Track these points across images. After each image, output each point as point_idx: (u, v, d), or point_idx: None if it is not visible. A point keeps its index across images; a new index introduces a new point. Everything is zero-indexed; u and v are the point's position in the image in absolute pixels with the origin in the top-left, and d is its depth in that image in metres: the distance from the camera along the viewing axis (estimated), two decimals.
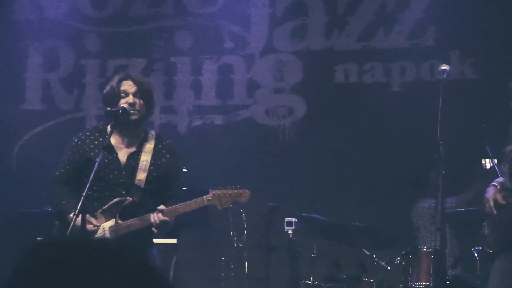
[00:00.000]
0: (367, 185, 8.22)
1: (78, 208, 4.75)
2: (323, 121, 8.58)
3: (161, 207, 5.16)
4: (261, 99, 8.77)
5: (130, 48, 8.94)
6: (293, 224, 6.77)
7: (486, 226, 5.96)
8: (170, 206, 5.20)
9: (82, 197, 4.77)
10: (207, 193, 5.69)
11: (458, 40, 8.30)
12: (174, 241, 6.79)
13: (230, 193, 5.26)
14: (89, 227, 5.15)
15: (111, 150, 5.24)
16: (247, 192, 5.29)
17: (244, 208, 7.43)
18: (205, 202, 5.26)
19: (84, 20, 9.00)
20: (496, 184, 5.96)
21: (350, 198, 8.12)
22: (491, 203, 5.83)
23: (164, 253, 5.67)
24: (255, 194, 5.58)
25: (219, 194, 5.25)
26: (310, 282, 6.91)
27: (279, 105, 8.74)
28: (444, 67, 5.89)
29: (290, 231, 6.77)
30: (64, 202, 5.18)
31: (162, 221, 5.13)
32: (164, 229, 5.26)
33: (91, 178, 4.87)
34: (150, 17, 8.94)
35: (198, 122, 8.84)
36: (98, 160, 4.94)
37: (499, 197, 5.83)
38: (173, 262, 6.99)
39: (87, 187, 4.82)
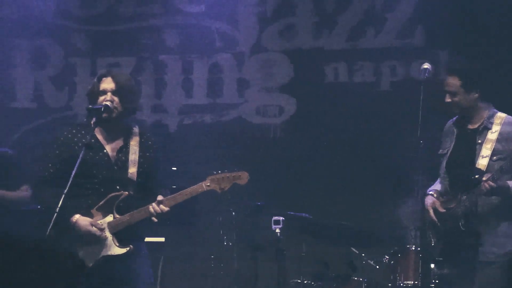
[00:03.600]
0: (356, 184, 8.23)
1: (59, 205, 4.77)
2: (313, 120, 8.59)
3: (160, 197, 5.20)
4: (251, 98, 8.78)
5: (119, 47, 8.94)
6: (281, 223, 6.79)
7: (430, 236, 5.99)
8: (164, 195, 5.23)
9: (63, 196, 4.80)
10: None
11: (447, 39, 8.31)
12: (162, 239, 6.81)
13: (228, 176, 5.28)
14: (94, 229, 5.15)
15: (98, 146, 5.27)
16: (245, 174, 5.31)
17: (233, 206, 7.46)
18: (204, 187, 5.28)
19: (72, 18, 8.98)
20: (432, 193, 5.99)
21: (338, 197, 8.13)
22: (431, 213, 5.86)
23: (152, 251, 5.65)
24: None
25: (217, 178, 5.26)
26: (299, 281, 6.93)
27: (269, 104, 8.75)
28: (426, 66, 5.90)
29: (277, 230, 6.79)
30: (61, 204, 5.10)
31: (162, 211, 5.16)
32: (163, 219, 5.27)
33: (72, 175, 4.89)
34: (138, 15, 8.93)
35: (188, 121, 8.84)
36: (79, 158, 4.96)
37: (438, 205, 5.87)
38: (161, 261, 7.00)
39: (69, 184, 4.84)
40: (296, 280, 6.98)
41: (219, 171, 5.28)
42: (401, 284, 6.51)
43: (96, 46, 8.97)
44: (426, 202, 5.90)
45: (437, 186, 6.08)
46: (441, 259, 5.85)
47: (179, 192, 5.25)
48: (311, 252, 7.14)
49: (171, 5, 8.88)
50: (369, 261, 6.89)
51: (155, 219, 5.22)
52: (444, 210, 5.80)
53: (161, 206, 5.18)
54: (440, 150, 6.03)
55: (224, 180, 5.27)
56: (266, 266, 7.27)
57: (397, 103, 8.29)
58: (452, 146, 5.93)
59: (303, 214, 7.05)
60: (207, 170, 8.19)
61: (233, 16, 8.78)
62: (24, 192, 6.90)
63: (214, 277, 7.64)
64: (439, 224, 5.83)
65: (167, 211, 5.20)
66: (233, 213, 7.47)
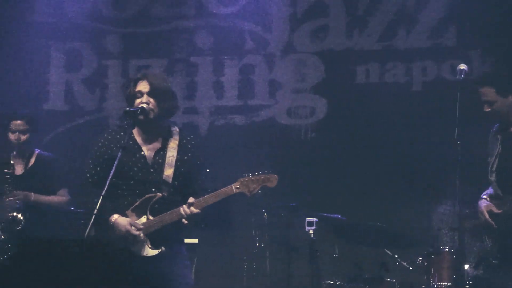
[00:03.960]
0: (389, 185, 8.19)
1: (97, 207, 4.79)
2: (344, 121, 8.57)
3: (191, 199, 5.19)
4: (282, 99, 8.78)
5: (151, 49, 8.98)
6: (314, 224, 6.77)
7: (486, 239, 5.96)
8: (197, 198, 5.23)
9: (101, 197, 4.82)
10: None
11: (479, 39, 8.27)
12: (195, 241, 6.82)
13: (257, 179, 5.26)
14: (133, 229, 5.18)
15: (136, 148, 5.29)
16: (274, 177, 5.28)
17: (266, 207, 7.46)
18: (234, 190, 5.26)
19: (105, 21, 9.05)
20: (486, 197, 5.98)
21: (372, 198, 8.09)
22: (486, 215, 5.84)
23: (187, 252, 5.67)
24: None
25: (246, 180, 5.25)
26: (332, 282, 6.92)
27: (300, 105, 8.75)
28: (462, 66, 5.88)
29: (311, 231, 6.77)
30: (99, 204, 5.06)
31: (192, 213, 5.17)
32: (195, 221, 5.27)
33: (110, 177, 4.91)
34: (170, 17, 8.97)
35: (219, 123, 8.86)
36: (117, 159, 4.98)
37: (493, 207, 5.85)
38: (194, 262, 7.02)
39: (106, 186, 4.86)
40: (329, 281, 6.96)
41: (249, 174, 5.27)
42: (435, 286, 6.50)
43: (128, 48, 9.02)
44: (480, 206, 5.89)
45: (489, 191, 6.07)
46: (496, 262, 5.83)
47: (209, 194, 5.25)
48: (344, 253, 7.13)
49: (203, 7, 8.90)
50: (402, 262, 6.85)
51: (185, 221, 5.22)
52: (500, 211, 5.80)
53: (192, 208, 5.18)
54: (489, 158, 6.04)
55: (253, 183, 5.26)
56: (299, 267, 7.26)
57: (429, 104, 8.27)
58: (498, 151, 5.93)
59: (336, 216, 7.03)
60: (238, 172, 8.26)
61: (265, 17, 8.78)
62: (62, 196, 6.94)
63: (247, 278, 7.64)
64: (495, 226, 5.82)
65: (198, 213, 5.20)
66: (265, 214, 7.47)
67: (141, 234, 5.20)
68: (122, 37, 9.04)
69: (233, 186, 5.26)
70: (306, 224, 6.79)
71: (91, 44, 9.07)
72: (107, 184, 4.86)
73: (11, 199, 6.61)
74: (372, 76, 8.61)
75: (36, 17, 9.07)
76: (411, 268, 6.80)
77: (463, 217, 5.79)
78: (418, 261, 6.69)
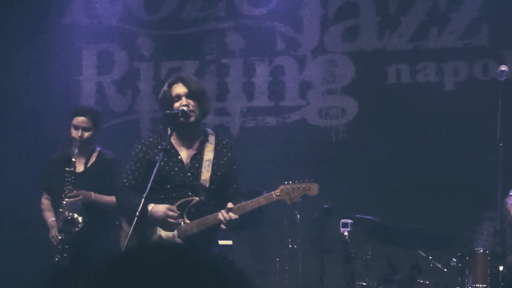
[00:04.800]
0: (420, 186, 8.16)
1: (139, 209, 4.80)
2: (376, 122, 8.54)
3: (230, 205, 5.18)
4: (313, 100, 8.76)
5: (182, 51, 9.00)
6: (349, 226, 6.75)
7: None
8: (235, 203, 5.23)
9: (143, 199, 4.83)
10: (261, 194, 5.70)
11: (511, 38, 8.20)
12: (230, 242, 6.82)
13: (298, 187, 5.24)
14: (171, 213, 5.18)
15: (173, 152, 5.30)
16: (315, 186, 5.28)
17: (298, 209, 7.46)
18: (274, 197, 5.25)
19: (137, 23, 9.08)
20: None
21: (405, 199, 8.05)
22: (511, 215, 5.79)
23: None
24: (309, 196, 5.55)
25: (287, 188, 5.24)
26: (365, 284, 6.89)
27: (331, 106, 8.73)
28: (503, 68, 5.85)
29: (346, 233, 6.75)
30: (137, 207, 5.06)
31: (231, 219, 5.16)
32: (233, 226, 5.27)
33: (151, 180, 4.92)
34: (202, 19, 8.98)
35: (250, 124, 8.86)
36: (157, 163, 4.99)
37: None
38: None
39: (147, 189, 4.87)
40: (362, 283, 6.94)
41: (290, 181, 5.26)
42: (469, 287, 6.45)
43: (159, 50, 9.05)
44: (508, 203, 5.85)
45: None
46: None
47: (250, 201, 5.24)
48: (377, 254, 7.10)
49: (234, 8, 8.91)
50: (436, 264, 6.81)
51: (223, 227, 5.22)
52: None
53: (230, 213, 5.17)
54: None
55: (294, 191, 5.25)
56: (332, 268, 7.24)
57: (461, 104, 8.22)
58: None
59: (369, 217, 7.00)
60: (268, 173, 8.29)
61: (296, 18, 8.77)
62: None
63: (280, 279, 7.64)
64: None
65: (236, 219, 5.20)
66: (298, 216, 7.46)
67: (181, 220, 5.21)
68: (154, 39, 9.07)
69: (273, 193, 5.25)
70: (340, 226, 6.77)
71: (122, 46, 9.10)
72: (148, 187, 4.87)
73: (72, 199, 6.43)
74: (403, 77, 8.57)
75: (68, 20, 9.12)
76: (445, 270, 6.76)
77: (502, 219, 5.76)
78: (453, 263, 6.65)
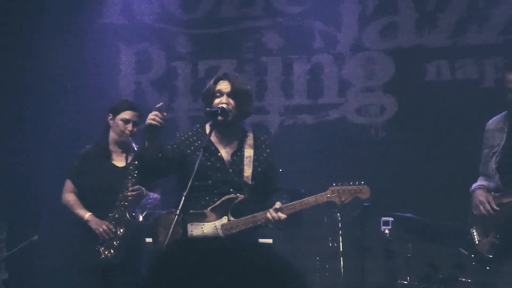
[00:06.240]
0: (461, 184, 8.06)
1: (180, 208, 4.78)
2: (415, 119, 8.49)
3: (278, 204, 5.16)
4: (352, 98, 8.73)
5: (220, 49, 9.01)
6: (390, 224, 6.71)
7: (474, 233, 5.84)
8: (275, 200, 5.22)
9: (183, 197, 4.80)
10: (301, 194, 5.69)
11: None
12: (270, 241, 6.81)
13: (350, 189, 5.22)
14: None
15: (213, 149, 5.30)
16: (367, 188, 5.25)
17: (338, 208, 7.41)
18: (325, 199, 5.22)
19: (174, 22, 9.11)
20: (482, 187, 5.83)
21: (446, 197, 7.98)
22: (487, 206, 5.69)
23: None
24: None
25: (338, 190, 5.21)
26: (406, 282, 6.85)
27: (370, 103, 8.68)
28: None
29: (386, 231, 6.71)
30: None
31: (280, 218, 5.14)
32: (280, 226, 5.25)
33: (191, 179, 4.87)
34: (239, 18, 8.99)
35: (289, 122, 8.85)
36: (197, 160, 4.96)
37: (491, 199, 5.71)
38: None
39: (188, 187, 4.82)
40: (403, 281, 6.89)
41: (339, 183, 5.23)
42: None
43: (197, 49, 9.07)
44: (478, 196, 5.79)
45: (483, 182, 5.97)
46: (491, 256, 5.73)
47: (299, 201, 5.21)
48: (418, 253, 7.04)
49: (272, 6, 8.90)
50: (478, 262, 6.74)
51: (270, 226, 5.20)
52: (498, 208, 5.69)
53: (279, 213, 5.14)
54: (487, 149, 5.93)
55: (346, 193, 5.22)
56: (372, 267, 7.21)
57: (502, 100, 8.12)
58: (503, 142, 5.82)
59: (409, 215, 6.96)
60: (307, 172, 8.27)
61: (334, 16, 8.75)
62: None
63: (320, 277, 7.62)
64: (491, 219, 5.71)
65: (284, 219, 5.18)
66: (338, 214, 7.43)
67: (211, 227, 5.22)
68: (191, 38, 9.09)
69: (324, 194, 5.22)
70: (381, 224, 6.74)
71: (160, 46, 9.13)
72: (189, 186, 4.85)
73: (135, 192, 6.33)
74: (442, 73, 8.51)
75: (105, 20, 9.18)
76: (487, 268, 6.68)
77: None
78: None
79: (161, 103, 5.25)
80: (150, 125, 5.08)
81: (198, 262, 1.95)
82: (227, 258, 1.96)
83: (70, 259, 6.57)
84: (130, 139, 6.48)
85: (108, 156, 6.60)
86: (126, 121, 6.56)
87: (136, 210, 6.25)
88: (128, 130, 6.52)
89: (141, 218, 6.15)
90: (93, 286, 6.25)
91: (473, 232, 5.94)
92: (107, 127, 6.67)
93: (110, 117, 6.64)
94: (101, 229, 6.33)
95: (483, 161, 6.12)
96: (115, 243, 6.34)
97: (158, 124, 5.07)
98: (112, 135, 6.64)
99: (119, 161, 6.60)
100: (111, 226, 6.35)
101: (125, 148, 6.62)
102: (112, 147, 6.63)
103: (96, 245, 6.34)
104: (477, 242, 5.91)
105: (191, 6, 9.09)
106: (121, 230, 6.35)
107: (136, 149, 5.94)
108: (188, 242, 2.40)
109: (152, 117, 5.09)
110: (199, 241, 2.23)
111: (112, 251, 6.32)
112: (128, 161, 6.58)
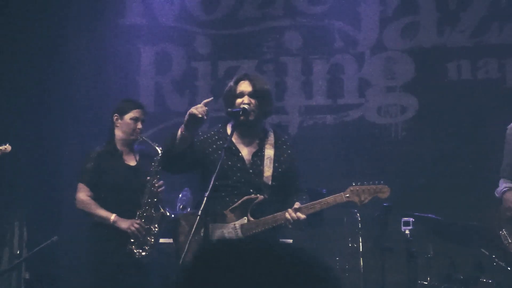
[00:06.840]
0: (482, 184, 8.02)
1: (201, 208, 4.78)
2: (436, 119, 8.44)
3: (297, 204, 5.14)
4: (372, 98, 8.70)
5: (240, 50, 9.01)
6: (411, 224, 6.67)
7: (506, 234, 5.80)
8: (295, 200, 5.20)
9: (205, 198, 4.79)
10: (322, 194, 5.66)
11: None
12: (290, 241, 6.79)
13: (369, 189, 5.19)
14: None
15: (234, 149, 5.29)
16: (386, 188, 5.22)
17: (358, 208, 7.39)
18: (344, 198, 5.20)
19: (194, 22, 9.12)
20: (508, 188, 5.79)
21: (465, 197, 7.94)
22: None
23: None
24: None
25: (357, 190, 5.18)
26: (427, 283, 6.81)
27: (391, 103, 8.65)
28: None
29: (407, 231, 6.66)
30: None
31: (299, 219, 5.12)
32: (300, 226, 5.24)
33: (212, 180, 4.85)
34: (259, 18, 8.98)
35: (309, 122, 8.83)
36: (220, 160, 4.96)
37: None
38: None
39: (210, 188, 4.81)
40: (424, 282, 6.86)
41: (359, 183, 5.20)
42: None
43: (217, 50, 9.07)
44: (510, 198, 5.75)
45: (509, 184, 5.93)
46: None
47: (319, 201, 5.19)
48: (438, 253, 6.99)
49: (292, 6, 8.89)
50: (500, 262, 6.69)
51: (290, 226, 5.19)
52: None
53: (298, 213, 5.12)
54: (509, 152, 5.89)
55: (365, 193, 5.19)
56: (392, 267, 7.17)
57: None
58: None
59: (431, 215, 6.92)
60: (328, 172, 8.24)
61: (354, 15, 8.72)
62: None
63: (340, 277, 7.58)
64: None
65: (304, 219, 5.15)
66: (358, 214, 7.40)
67: (230, 227, 5.21)
68: (211, 38, 9.10)
69: (343, 194, 5.19)
70: (402, 224, 6.70)
71: (180, 46, 9.15)
72: (211, 186, 4.83)
73: (161, 188, 6.35)
74: (464, 73, 8.46)
75: (125, 20, 9.21)
76: (509, 269, 6.64)
77: None
78: None
79: (211, 98, 5.23)
80: (194, 115, 5.05)
81: (223, 264, 1.93)
82: (249, 259, 1.95)
83: (92, 261, 6.54)
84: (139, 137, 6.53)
85: (120, 155, 6.61)
86: (135, 120, 6.59)
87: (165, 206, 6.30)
88: (138, 128, 6.56)
89: (185, 211, 6.19)
90: (126, 285, 6.25)
91: (504, 234, 5.89)
92: (113, 128, 6.67)
93: (116, 117, 6.65)
94: (133, 228, 6.30)
95: (505, 163, 6.06)
96: (149, 240, 6.33)
97: (202, 116, 5.05)
98: (119, 135, 6.63)
99: (130, 161, 6.62)
100: (143, 224, 6.33)
101: (130, 147, 6.66)
102: (119, 147, 6.64)
103: (126, 245, 6.31)
104: (508, 244, 5.86)
105: (211, 6, 9.09)
106: (155, 226, 6.34)
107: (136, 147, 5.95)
108: (209, 244, 2.39)
109: (199, 110, 5.06)
110: (220, 244, 2.21)
111: (146, 249, 6.31)
112: (137, 160, 6.60)
